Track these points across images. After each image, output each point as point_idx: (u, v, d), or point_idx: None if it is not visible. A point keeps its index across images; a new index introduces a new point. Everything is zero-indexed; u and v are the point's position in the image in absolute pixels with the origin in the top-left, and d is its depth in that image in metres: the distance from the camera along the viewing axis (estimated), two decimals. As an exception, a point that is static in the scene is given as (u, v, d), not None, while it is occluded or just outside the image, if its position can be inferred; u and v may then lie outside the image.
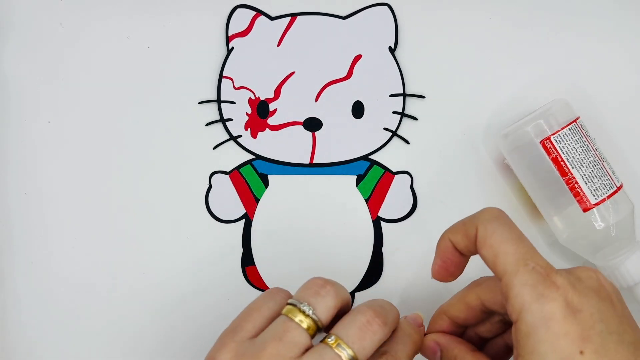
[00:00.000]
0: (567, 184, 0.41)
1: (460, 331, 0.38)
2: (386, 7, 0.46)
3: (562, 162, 0.41)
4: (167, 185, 0.45)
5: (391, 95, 0.46)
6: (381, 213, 0.45)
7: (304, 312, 0.32)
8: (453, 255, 0.36)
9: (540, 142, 0.41)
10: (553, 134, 0.41)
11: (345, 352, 0.31)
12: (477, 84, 0.46)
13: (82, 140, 0.46)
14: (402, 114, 0.46)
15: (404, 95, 0.46)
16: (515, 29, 0.46)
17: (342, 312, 0.34)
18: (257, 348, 0.31)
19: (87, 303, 0.45)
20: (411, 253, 0.45)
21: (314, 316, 0.32)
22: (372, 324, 0.33)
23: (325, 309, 0.33)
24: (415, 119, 0.46)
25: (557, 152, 0.41)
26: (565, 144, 0.41)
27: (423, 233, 0.45)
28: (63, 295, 0.45)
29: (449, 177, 0.46)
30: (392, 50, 0.46)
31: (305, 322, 0.32)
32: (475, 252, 0.35)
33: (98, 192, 0.46)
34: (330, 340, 0.32)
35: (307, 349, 0.32)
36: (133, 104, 0.46)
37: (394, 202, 0.45)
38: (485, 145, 0.46)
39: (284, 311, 0.33)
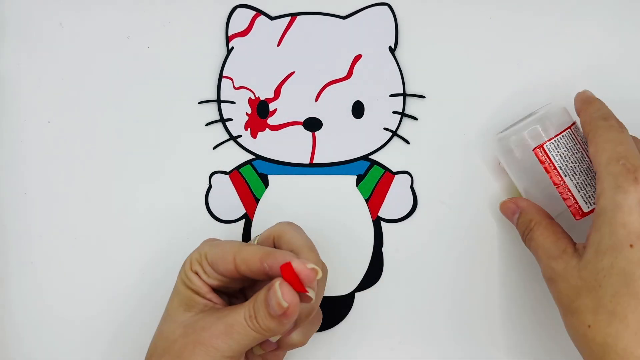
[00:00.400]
0: (560, 192, 0.40)
1: None
2: (386, 7, 0.46)
3: (554, 170, 0.40)
4: (167, 185, 0.45)
5: (391, 95, 0.46)
6: (381, 213, 0.45)
7: None
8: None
9: (532, 150, 0.41)
10: (546, 142, 0.40)
11: None
12: (477, 84, 0.46)
13: (82, 140, 0.46)
14: (402, 114, 0.46)
15: (404, 95, 0.46)
16: (516, 29, 0.46)
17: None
18: None
19: (87, 303, 0.45)
20: (411, 253, 0.45)
21: None
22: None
23: None
24: (415, 119, 0.46)
25: (550, 160, 0.40)
26: (559, 152, 0.40)
27: (423, 233, 0.45)
28: (63, 296, 0.45)
29: (449, 177, 0.46)
30: (392, 50, 0.46)
31: None
32: None
33: (98, 192, 0.46)
34: None
35: None
36: (133, 104, 0.46)
37: (394, 202, 0.45)
38: (485, 145, 0.46)
39: None
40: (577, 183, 0.40)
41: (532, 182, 0.42)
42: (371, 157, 0.46)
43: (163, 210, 0.45)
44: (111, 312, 0.45)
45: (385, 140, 0.46)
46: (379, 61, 0.46)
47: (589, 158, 0.40)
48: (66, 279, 0.45)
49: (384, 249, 0.45)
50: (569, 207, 0.40)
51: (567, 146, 0.40)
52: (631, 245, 0.34)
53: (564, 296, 0.36)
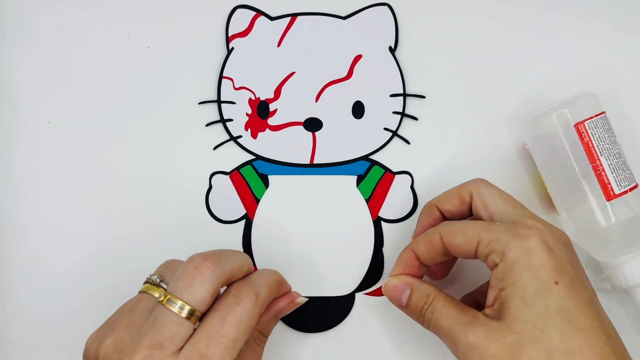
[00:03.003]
0: (595, 170, 0.41)
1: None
2: (386, 7, 0.46)
3: (592, 148, 0.41)
4: (167, 186, 0.45)
5: (391, 95, 0.46)
6: (382, 213, 0.45)
7: (177, 302, 0.33)
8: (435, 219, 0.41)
9: (574, 126, 0.41)
10: (587, 119, 0.41)
11: (175, 305, 0.33)
12: (477, 84, 0.46)
13: (82, 140, 0.46)
14: (402, 114, 0.46)
15: (404, 95, 0.46)
16: (515, 29, 0.46)
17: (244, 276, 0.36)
18: (135, 337, 0.33)
19: (87, 303, 0.45)
20: (411, 253, 0.45)
21: (188, 307, 0.33)
22: (200, 267, 0.33)
23: (200, 297, 0.33)
24: (416, 119, 0.46)
25: (590, 137, 0.41)
26: (597, 131, 0.41)
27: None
28: (63, 296, 0.45)
29: (449, 177, 0.46)
30: (392, 50, 0.46)
31: (185, 311, 0.33)
32: (435, 258, 0.39)
33: (98, 192, 0.46)
34: (160, 298, 0.33)
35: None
36: (133, 104, 0.46)
37: (395, 202, 0.45)
38: (485, 145, 0.46)
39: (160, 300, 0.34)
40: (611, 164, 0.41)
41: (558, 166, 0.42)
42: (371, 157, 0.46)
43: (163, 211, 0.45)
44: (111, 313, 0.45)
45: (386, 140, 0.46)
46: (379, 61, 0.46)
47: (619, 144, 0.42)
48: (66, 279, 0.45)
49: (384, 249, 0.45)
50: (601, 187, 0.41)
51: (604, 128, 0.42)
52: (556, 282, 0.34)
53: (500, 357, 0.33)
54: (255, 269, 0.42)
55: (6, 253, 0.45)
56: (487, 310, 0.35)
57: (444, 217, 0.41)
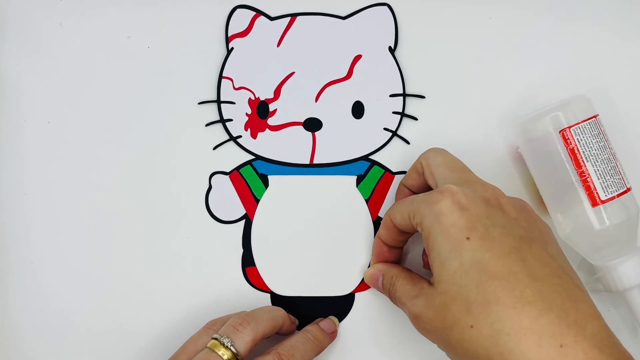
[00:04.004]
0: (580, 176, 0.41)
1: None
2: (386, 7, 0.46)
3: (578, 154, 0.41)
4: (167, 186, 0.45)
5: (391, 95, 0.46)
6: (381, 213, 0.45)
7: (224, 345, 0.38)
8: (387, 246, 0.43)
9: (559, 132, 0.41)
10: (574, 125, 0.41)
11: (225, 352, 0.38)
12: (477, 84, 0.46)
13: (81, 140, 0.46)
14: (402, 114, 0.46)
15: (404, 95, 0.46)
16: (515, 29, 0.46)
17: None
18: None
19: (86, 303, 0.45)
20: (411, 253, 0.45)
21: (232, 349, 0.38)
22: (242, 323, 0.39)
23: (243, 343, 0.38)
24: (415, 119, 0.46)
25: (575, 143, 0.41)
26: (583, 137, 0.41)
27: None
28: (63, 296, 0.45)
29: (449, 177, 0.46)
30: (392, 50, 0.46)
31: (226, 354, 0.38)
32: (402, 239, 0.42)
33: (98, 192, 0.46)
34: (210, 344, 0.38)
35: None
36: (133, 104, 0.46)
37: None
38: (485, 145, 0.46)
39: (209, 344, 0.38)
40: (598, 170, 0.41)
41: (550, 170, 0.42)
42: (371, 157, 0.46)
43: (163, 211, 0.45)
44: (111, 312, 0.45)
45: (385, 140, 0.46)
46: (379, 61, 0.46)
47: (610, 149, 0.42)
48: (66, 279, 0.45)
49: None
50: (587, 194, 0.41)
51: (592, 133, 0.41)
52: (468, 238, 0.35)
53: (436, 320, 0.36)
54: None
55: (6, 253, 0.45)
56: (431, 278, 0.37)
57: (413, 193, 0.42)
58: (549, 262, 0.35)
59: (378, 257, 0.43)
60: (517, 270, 0.34)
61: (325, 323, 0.44)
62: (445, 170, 0.39)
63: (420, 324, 0.37)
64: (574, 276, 0.36)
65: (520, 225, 0.36)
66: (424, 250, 0.43)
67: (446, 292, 0.35)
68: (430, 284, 0.37)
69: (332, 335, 0.44)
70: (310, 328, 0.43)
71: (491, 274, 0.34)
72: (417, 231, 0.39)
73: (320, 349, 0.42)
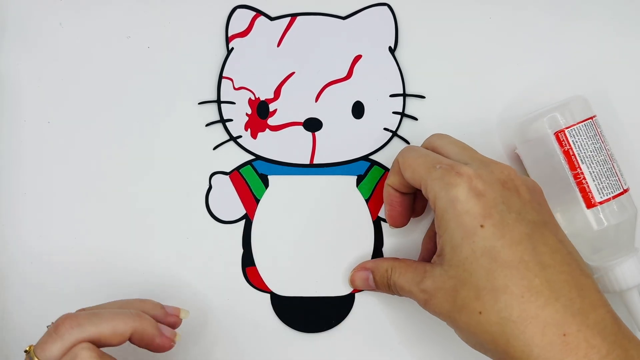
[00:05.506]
0: (575, 178, 0.41)
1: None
2: (386, 7, 0.46)
3: (573, 156, 0.41)
4: (167, 186, 0.45)
5: (391, 96, 0.46)
6: (381, 213, 0.45)
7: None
8: (395, 196, 0.42)
9: (554, 134, 0.41)
10: (568, 127, 0.41)
11: None
12: (477, 84, 0.46)
13: (82, 140, 0.46)
14: (402, 114, 0.46)
15: (404, 95, 0.46)
16: (516, 29, 0.46)
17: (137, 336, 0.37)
18: None
19: (87, 303, 0.45)
20: (411, 253, 0.45)
21: None
22: (59, 328, 0.35)
23: (48, 355, 0.35)
24: (415, 119, 0.46)
25: (570, 145, 0.41)
26: (578, 139, 0.41)
27: (423, 233, 0.45)
28: (63, 296, 0.45)
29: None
30: (392, 50, 0.46)
31: None
32: (411, 187, 0.40)
33: (98, 192, 0.46)
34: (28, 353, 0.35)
35: None
36: (133, 104, 0.46)
37: (394, 202, 0.45)
38: (485, 145, 0.46)
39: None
40: (593, 172, 0.41)
41: (548, 171, 0.42)
42: (371, 157, 0.46)
43: (163, 211, 0.45)
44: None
45: (386, 140, 0.46)
46: (379, 61, 0.46)
47: (607, 151, 0.41)
48: (66, 279, 0.45)
49: (384, 249, 0.45)
50: (581, 195, 0.41)
51: (588, 135, 0.41)
52: (482, 226, 0.35)
53: (445, 303, 0.36)
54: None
55: (6, 253, 0.45)
56: (435, 258, 0.38)
57: (399, 192, 0.42)
58: (559, 248, 0.36)
59: (391, 206, 0.42)
60: (527, 258, 0.35)
61: (170, 307, 0.40)
62: (455, 147, 0.40)
63: (431, 307, 0.38)
64: (581, 262, 0.37)
65: (534, 209, 0.37)
66: (426, 234, 0.44)
67: (456, 276, 0.36)
68: (433, 263, 0.38)
69: (170, 319, 0.40)
70: (137, 304, 0.39)
71: (502, 262, 0.35)
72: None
73: (139, 331, 0.37)
